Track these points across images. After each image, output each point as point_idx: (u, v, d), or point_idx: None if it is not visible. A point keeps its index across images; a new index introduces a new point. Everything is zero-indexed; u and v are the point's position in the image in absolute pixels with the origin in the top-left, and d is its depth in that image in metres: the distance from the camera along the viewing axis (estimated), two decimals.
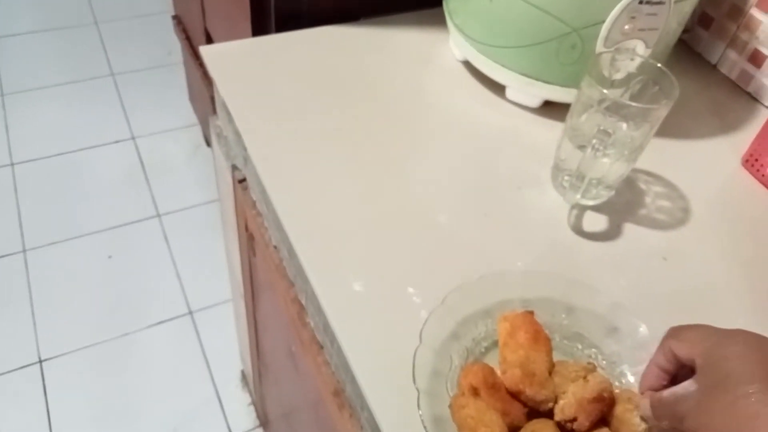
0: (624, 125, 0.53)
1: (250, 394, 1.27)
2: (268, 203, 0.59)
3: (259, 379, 1.07)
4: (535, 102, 0.66)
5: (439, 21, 0.72)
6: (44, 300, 1.41)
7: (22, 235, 1.52)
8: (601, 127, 0.51)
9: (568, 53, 0.60)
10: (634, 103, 0.50)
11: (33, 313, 1.38)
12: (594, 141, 0.50)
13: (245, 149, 0.61)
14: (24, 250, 1.49)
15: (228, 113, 0.65)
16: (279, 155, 0.59)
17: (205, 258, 1.50)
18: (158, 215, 1.61)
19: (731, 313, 0.52)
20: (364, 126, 0.63)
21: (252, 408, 1.27)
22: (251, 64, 0.68)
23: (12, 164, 1.70)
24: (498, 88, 0.68)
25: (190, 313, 1.42)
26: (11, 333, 1.35)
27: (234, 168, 0.71)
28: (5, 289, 1.42)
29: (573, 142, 0.55)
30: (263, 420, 1.22)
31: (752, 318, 0.52)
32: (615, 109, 0.51)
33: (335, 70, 0.69)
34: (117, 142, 1.80)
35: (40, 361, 1.31)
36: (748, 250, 0.57)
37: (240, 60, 0.69)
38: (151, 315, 1.41)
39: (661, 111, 0.51)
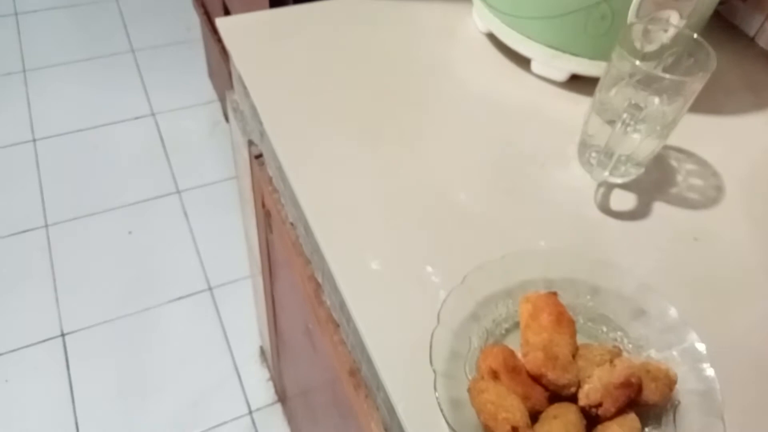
0: (656, 99, 0.50)
1: (269, 370, 1.27)
2: (285, 179, 0.58)
3: (277, 355, 1.07)
4: (562, 76, 0.64)
5: None
6: (66, 275, 1.42)
7: (44, 210, 1.54)
8: (633, 101, 0.49)
9: (597, 24, 0.58)
10: (668, 75, 0.48)
11: (55, 288, 1.40)
12: (624, 115, 0.48)
13: (261, 124, 0.60)
14: (46, 225, 1.51)
15: (244, 87, 0.63)
16: (295, 130, 0.58)
17: (225, 234, 1.50)
18: (178, 191, 1.61)
19: (763, 302, 0.50)
20: (384, 101, 0.61)
21: (270, 384, 1.28)
22: (268, 37, 0.67)
23: (34, 140, 1.71)
24: (523, 62, 0.65)
25: (210, 289, 1.43)
26: (34, 307, 1.36)
27: (250, 143, 0.70)
28: (28, 263, 1.44)
29: (602, 117, 0.53)
30: (281, 396, 1.23)
31: None
32: (647, 83, 0.49)
33: (354, 43, 0.67)
34: (137, 118, 1.79)
35: (63, 335, 1.33)
36: None
37: (257, 32, 0.67)
38: (171, 290, 1.41)
39: (696, 84, 0.48)
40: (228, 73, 1.09)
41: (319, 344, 0.64)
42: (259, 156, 0.69)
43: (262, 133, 0.63)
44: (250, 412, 1.25)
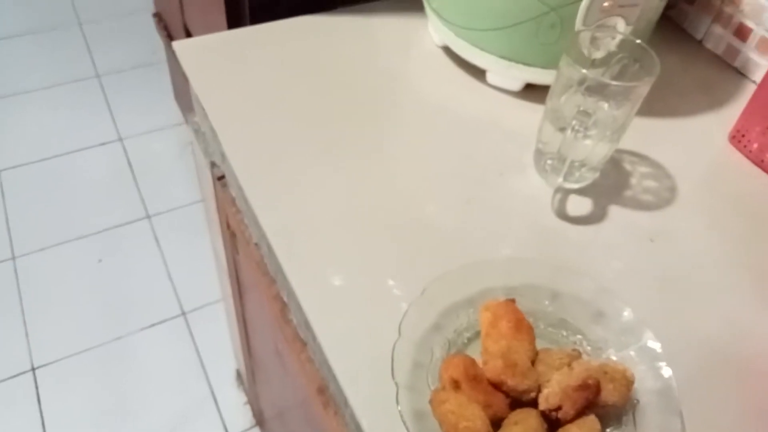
0: (605, 105, 0.51)
1: (245, 393, 1.26)
2: (245, 199, 0.58)
3: (252, 377, 1.06)
4: (517, 85, 0.65)
5: (417, 6, 0.70)
6: (35, 306, 1.39)
7: (10, 241, 1.51)
8: (581, 108, 0.50)
9: (547, 33, 0.59)
10: (614, 82, 0.49)
11: (24, 321, 1.37)
12: (574, 122, 0.49)
13: (221, 144, 0.60)
14: (13, 257, 1.48)
15: (203, 109, 0.63)
16: (254, 149, 0.58)
17: (197, 258, 1.49)
18: (148, 216, 1.59)
19: (722, 292, 0.51)
20: (343, 116, 0.62)
21: (248, 407, 1.26)
22: (225, 58, 0.67)
23: None
24: (478, 73, 0.66)
25: (183, 314, 1.41)
26: (2, 341, 1.33)
27: (213, 165, 0.70)
28: None
29: (554, 125, 0.54)
30: (259, 419, 1.21)
31: (743, 297, 0.50)
32: (595, 89, 0.50)
33: (312, 59, 0.67)
34: (103, 144, 1.78)
35: (33, 369, 1.30)
36: (738, 226, 0.56)
37: (214, 54, 0.67)
38: (144, 317, 1.39)
39: (642, 88, 0.50)
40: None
41: (289, 364, 0.63)
42: (221, 177, 0.69)
43: (223, 155, 0.63)
44: None
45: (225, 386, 1.29)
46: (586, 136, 0.51)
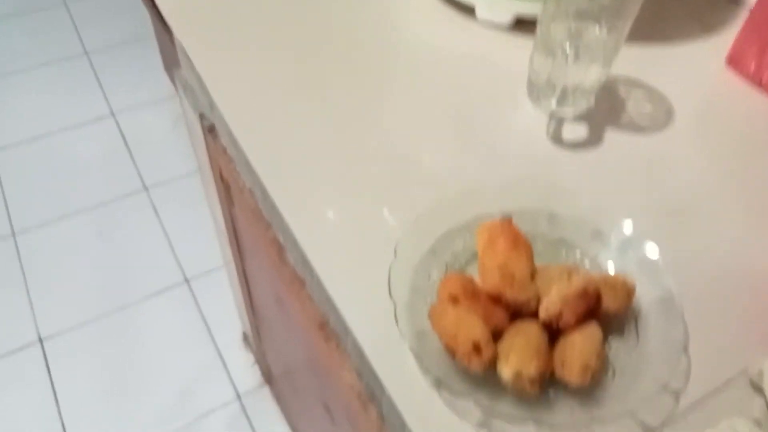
0: (596, 28, 0.51)
1: (253, 354, 1.27)
2: (236, 144, 0.57)
3: (258, 335, 1.06)
4: (507, 18, 0.64)
5: None
6: (38, 281, 1.40)
7: (9, 219, 1.51)
8: (572, 30, 0.49)
9: None
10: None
11: (29, 295, 1.38)
12: (566, 44, 0.48)
13: (209, 93, 0.59)
14: (13, 234, 1.48)
15: (188, 58, 0.62)
16: (242, 92, 0.57)
17: (197, 226, 1.48)
18: (145, 188, 1.59)
19: (720, 211, 0.50)
20: (331, 55, 0.61)
21: (256, 367, 1.27)
22: (208, 3, 0.65)
23: None
24: (467, 10, 0.65)
25: (187, 281, 1.41)
26: (8, 315, 1.34)
27: (202, 117, 0.69)
28: None
29: (545, 51, 0.53)
30: (268, 377, 1.22)
31: (741, 214, 0.50)
32: (584, 12, 0.49)
33: (298, 4, 0.66)
34: (97, 120, 1.77)
35: (41, 340, 1.31)
36: (735, 148, 0.55)
37: (197, 1, 0.66)
38: (147, 286, 1.40)
39: (633, 6, 0.49)
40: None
41: (290, 308, 0.64)
42: (212, 129, 0.68)
43: (211, 104, 0.63)
44: (239, 397, 1.25)
45: (232, 349, 1.31)
46: (577, 59, 0.50)
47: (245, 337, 1.30)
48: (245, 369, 1.28)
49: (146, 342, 1.32)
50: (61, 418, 1.20)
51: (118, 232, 1.50)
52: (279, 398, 1.18)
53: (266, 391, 1.25)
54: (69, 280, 1.41)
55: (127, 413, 1.22)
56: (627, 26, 0.50)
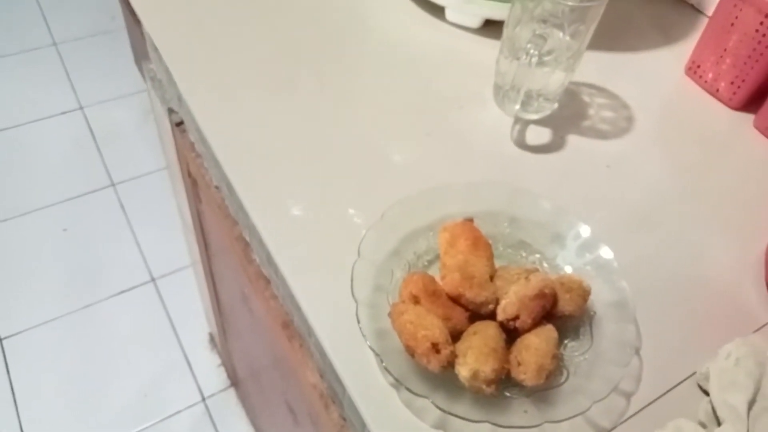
0: (559, 33, 0.52)
1: (219, 355, 1.26)
2: (204, 139, 0.57)
3: (224, 336, 1.05)
4: (476, 22, 0.64)
5: None
6: (1, 277, 1.37)
7: None
8: (537, 32, 0.50)
9: None
10: (570, 2, 0.49)
11: None
12: (528, 46, 0.49)
13: (177, 86, 0.58)
14: None
15: (157, 51, 0.61)
16: (210, 87, 0.57)
17: (164, 224, 1.47)
18: (112, 184, 1.56)
19: (676, 216, 0.52)
20: (301, 52, 0.61)
21: (222, 369, 1.26)
22: None
23: None
24: (437, 10, 0.66)
25: (153, 280, 1.40)
26: None
27: (170, 111, 0.69)
28: None
29: (510, 55, 0.54)
30: (234, 379, 1.21)
31: (696, 220, 0.52)
32: (549, 16, 0.50)
33: (268, 0, 0.66)
34: (64, 113, 1.73)
35: (0, 340, 1.28)
36: (692, 154, 0.57)
37: None
38: (112, 285, 1.38)
39: (596, 10, 0.50)
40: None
41: (255, 307, 0.63)
42: (180, 123, 0.68)
43: (180, 97, 0.62)
44: (204, 399, 1.23)
45: (198, 350, 1.29)
46: (541, 64, 0.51)
47: (211, 339, 1.28)
48: (211, 370, 1.26)
49: (110, 342, 1.29)
50: (19, 419, 1.18)
51: (83, 229, 1.47)
52: (244, 400, 1.18)
53: (231, 393, 1.23)
54: (32, 277, 1.37)
55: (89, 415, 1.20)
56: (590, 31, 0.51)
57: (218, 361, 1.27)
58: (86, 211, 1.50)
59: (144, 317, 1.34)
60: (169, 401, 1.22)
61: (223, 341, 1.10)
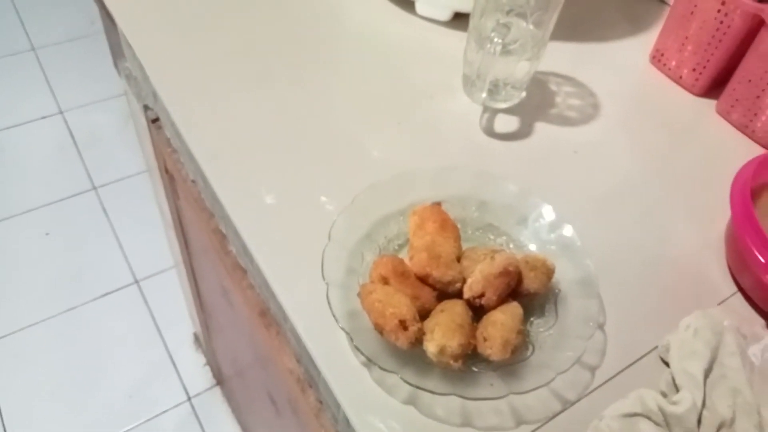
0: (523, 22, 0.53)
1: (204, 355, 1.26)
2: (178, 134, 0.57)
3: (208, 333, 1.06)
4: (445, 14, 0.66)
5: None
6: None
7: None
8: (500, 21, 0.51)
9: None
10: None
11: None
12: (492, 34, 0.50)
13: (151, 82, 0.59)
14: None
15: (131, 47, 0.62)
16: (185, 82, 0.57)
17: (146, 226, 1.47)
18: (94, 188, 1.56)
19: (640, 199, 0.53)
20: (273, 45, 0.62)
21: (207, 368, 1.26)
22: None
23: None
24: (408, 4, 0.67)
25: (137, 282, 1.40)
26: None
27: (146, 108, 0.69)
28: None
29: (477, 44, 0.55)
30: (219, 378, 1.22)
31: (660, 204, 0.53)
32: (513, 5, 0.51)
33: None
34: (44, 117, 1.73)
35: None
36: (657, 140, 0.59)
37: None
38: (96, 288, 1.38)
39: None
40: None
41: (234, 299, 0.64)
42: (156, 120, 0.68)
43: (155, 93, 0.63)
44: (189, 399, 1.23)
45: (183, 350, 1.29)
46: (506, 52, 0.52)
47: (196, 338, 1.29)
48: (196, 370, 1.26)
49: (95, 344, 1.29)
50: (2, 422, 1.17)
51: (65, 232, 1.47)
52: (230, 398, 1.18)
53: (217, 392, 1.24)
54: (15, 282, 1.37)
55: (74, 416, 1.19)
56: (552, 20, 0.53)
57: (203, 360, 1.27)
58: (68, 215, 1.50)
59: (128, 319, 1.33)
60: (154, 401, 1.22)
61: (207, 340, 1.11)
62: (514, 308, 0.40)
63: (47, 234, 1.46)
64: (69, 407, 1.20)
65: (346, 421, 0.41)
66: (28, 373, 1.24)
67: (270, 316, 0.53)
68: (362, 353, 0.39)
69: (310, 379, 0.50)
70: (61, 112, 1.74)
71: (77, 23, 1.99)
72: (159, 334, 1.32)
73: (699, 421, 0.37)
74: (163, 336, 1.31)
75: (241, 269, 0.57)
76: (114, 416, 1.20)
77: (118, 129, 1.70)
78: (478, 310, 0.41)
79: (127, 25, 0.62)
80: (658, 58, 0.64)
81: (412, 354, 0.39)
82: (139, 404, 1.21)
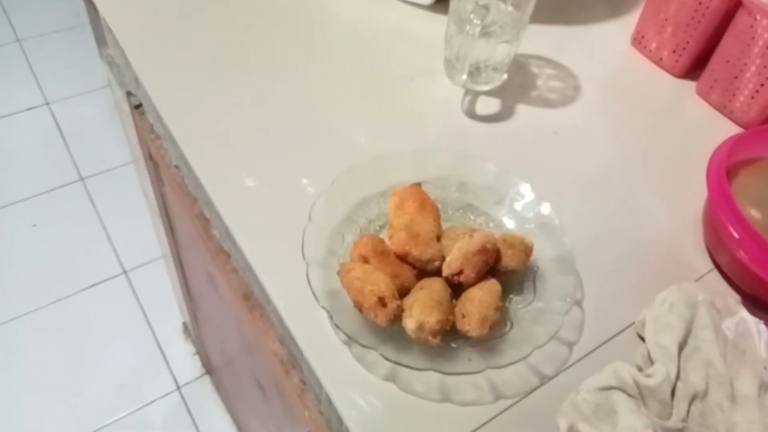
0: (502, 3, 0.53)
1: (193, 344, 1.26)
2: (161, 119, 0.57)
3: (196, 322, 1.06)
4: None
5: None
6: None
7: None
8: (479, 3, 0.51)
9: None
10: None
11: None
12: (471, 16, 0.50)
13: (133, 68, 0.59)
14: None
15: (112, 33, 0.62)
16: (167, 68, 0.57)
17: (134, 217, 1.45)
18: (81, 179, 1.55)
19: (620, 179, 0.54)
20: (255, 31, 0.62)
21: (197, 358, 1.27)
22: None
23: None
24: None
25: (125, 272, 1.39)
26: None
27: (129, 95, 0.69)
28: None
29: (457, 27, 0.55)
30: (208, 367, 1.22)
31: (639, 184, 0.54)
32: None
33: None
34: (30, 109, 1.71)
35: None
36: (637, 120, 0.59)
37: None
38: (84, 278, 1.37)
39: None
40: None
41: (218, 284, 0.64)
42: (138, 106, 0.68)
43: (137, 79, 0.62)
44: (179, 388, 1.24)
45: (172, 340, 1.29)
46: (485, 34, 0.53)
47: (185, 328, 1.29)
48: (185, 359, 1.27)
49: (84, 335, 1.29)
50: None
51: (53, 224, 1.46)
52: (219, 387, 1.18)
53: (207, 381, 1.24)
54: (2, 273, 1.36)
55: (64, 406, 1.19)
56: (531, 2, 0.53)
57: (192, 350, 1.27)
58: (56, 206, 1.49)
59: (117, 309, 1.33)
60: (144, 391, 1.22)
61: (196, 329, 1.11)
62: (492, 285, 0.41)
63: (34, 225, 1.46)
64: (58, 398, 1.20)
65: (329, 400, 0.41)
66: (16, 364, 1.24)
67: (254, 299, 0.54)
68: (342, 331, 0.39)
69: (294, 360, 0.50)
70: (47, 104, 1.73)
71: (62, 14, 1.97)
72: (148, 325, 1.32)
73: (673, 393, 0.38)
74: (152, 326, 1.31)
75: (225, 253, 0.57)
76: (104, 406, 1.20)
77: (105, 120, 1.69)
78: (457, 288, 0.41)
79: (109, 12, 0.62)
80: (639, 41, 0.65)
81: (391, 331, 0.40)
82: (129, 394, 1.22)
